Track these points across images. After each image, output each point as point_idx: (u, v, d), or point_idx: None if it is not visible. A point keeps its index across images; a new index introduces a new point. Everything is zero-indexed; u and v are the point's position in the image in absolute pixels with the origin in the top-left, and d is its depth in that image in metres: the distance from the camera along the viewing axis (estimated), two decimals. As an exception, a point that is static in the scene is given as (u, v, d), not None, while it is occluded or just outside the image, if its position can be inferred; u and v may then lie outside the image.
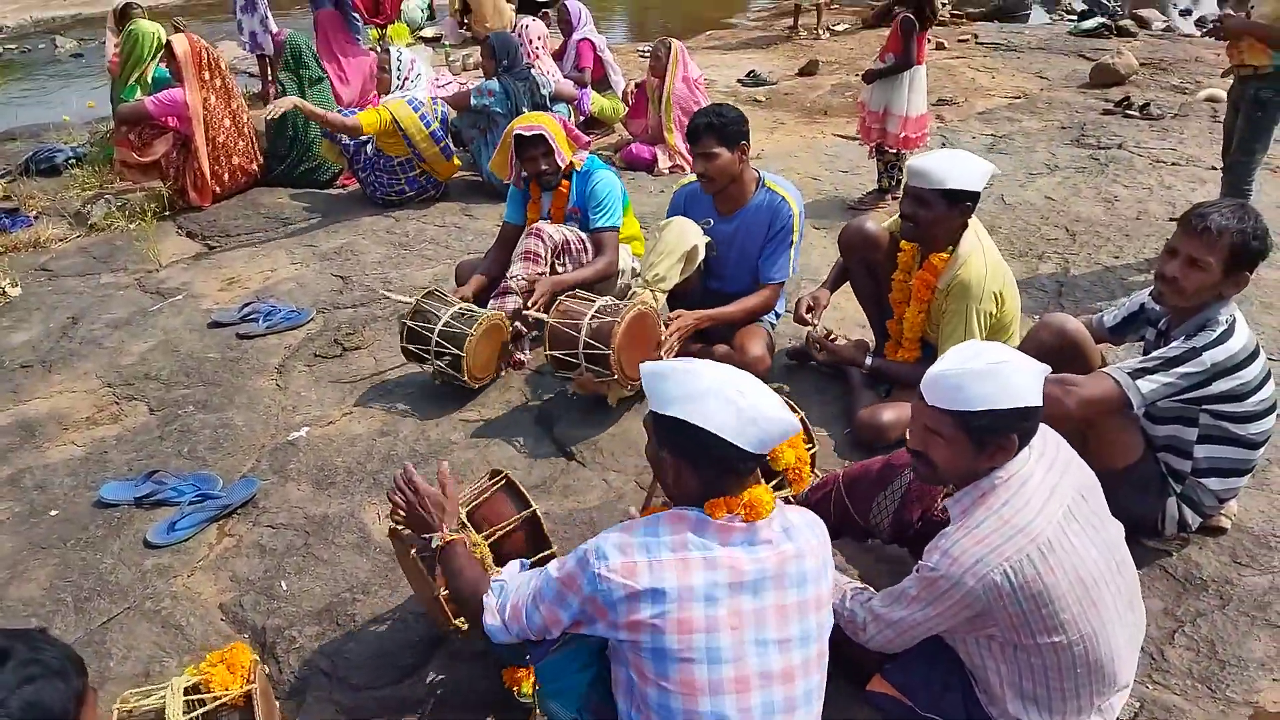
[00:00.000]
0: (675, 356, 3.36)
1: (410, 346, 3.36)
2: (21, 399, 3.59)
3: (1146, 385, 2.21)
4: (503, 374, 3.55)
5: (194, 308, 4.25)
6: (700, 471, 1.60)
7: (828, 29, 10.07)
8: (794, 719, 1.58)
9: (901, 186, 5.08)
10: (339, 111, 5.15)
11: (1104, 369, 2.31)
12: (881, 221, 3.27)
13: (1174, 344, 2.27)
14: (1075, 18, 9.77)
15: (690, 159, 5.70)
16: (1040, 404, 1.77)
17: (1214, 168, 5.32)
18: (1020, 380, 1.74)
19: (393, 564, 2.53)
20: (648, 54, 8.98)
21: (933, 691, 1.94)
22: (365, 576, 2.58)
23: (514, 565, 1.94)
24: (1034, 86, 7.68)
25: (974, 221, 2.83)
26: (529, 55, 5.74)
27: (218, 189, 5.39)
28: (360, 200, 5.45)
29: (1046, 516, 1.75)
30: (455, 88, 6.73)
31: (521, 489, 2.22)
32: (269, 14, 7.65)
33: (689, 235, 3.29)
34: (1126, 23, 8.99)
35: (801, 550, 1.62)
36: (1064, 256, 4.35)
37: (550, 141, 3.71)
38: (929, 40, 5.02)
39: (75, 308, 4.32)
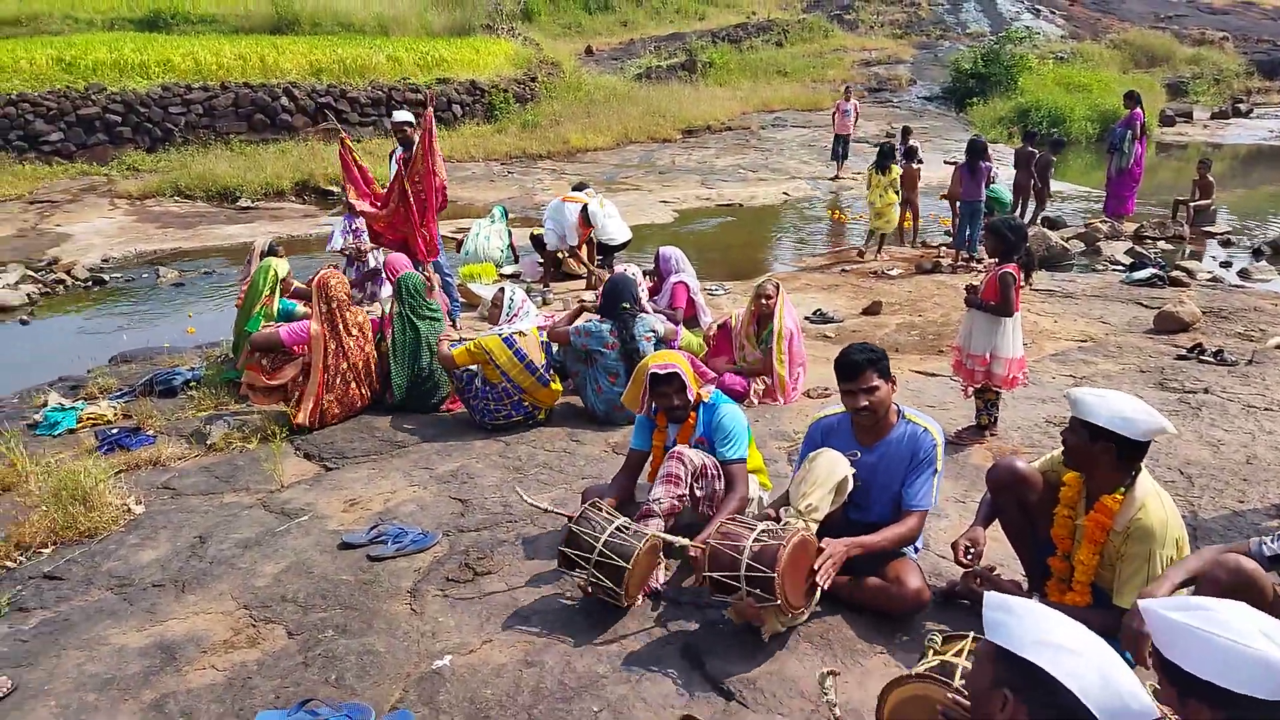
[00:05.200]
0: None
1: (569, 551, 3.37)
2: (158, 619, 3.57)
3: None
4: (640, 602, 3.51)
5: (320, 528, 4.29)
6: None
7: (884, 273, 10.63)
8: None
9: (996, 422, 5.28)
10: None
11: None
12: (1031, 461, 3.32)
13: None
14: (1123, 268, 10.25)
15: (789, 392, 5.96)
16: None
17: (1310, 413, 5.42)
18: None
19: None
20: (719, 293, 9.55)
21: None
22: (539, 823, 2.44)
23: None
24: (1098, 331, 7.92)
25: (1144, 467, 2.88)
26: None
27: (337, 410, 5.60)
28: (468, 424, 5.61)
29: None
30: (541, 320, 7.11)
31: None
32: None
33: (840, 467, 3.35)
34: (1178, 274, 9.41)
35: None
36: (1188, 500, 4.33)
37: (684, 379, 3.91)
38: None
39: (201, 526, 4.37)
